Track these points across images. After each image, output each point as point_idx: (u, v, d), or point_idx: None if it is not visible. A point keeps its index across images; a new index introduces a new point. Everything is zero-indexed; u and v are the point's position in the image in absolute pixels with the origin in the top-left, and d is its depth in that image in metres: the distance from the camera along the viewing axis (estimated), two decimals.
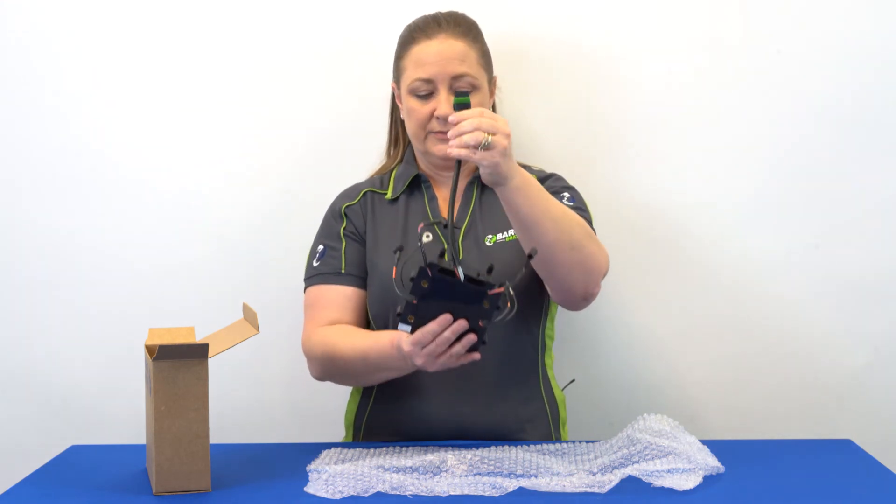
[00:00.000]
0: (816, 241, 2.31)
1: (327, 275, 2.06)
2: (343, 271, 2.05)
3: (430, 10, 2.09)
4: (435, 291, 1.68)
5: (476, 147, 1.71)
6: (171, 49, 2.33)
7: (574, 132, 2.31)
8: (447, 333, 1.70)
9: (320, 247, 2.08)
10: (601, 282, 1.93)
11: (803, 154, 2.30)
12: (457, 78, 2.00)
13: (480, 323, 1.69)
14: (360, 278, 2.06)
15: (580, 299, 1.92)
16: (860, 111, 2.28)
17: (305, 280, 2.09)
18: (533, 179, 1.83)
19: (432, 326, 1.70)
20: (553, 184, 2.07)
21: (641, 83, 2.30)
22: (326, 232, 2.10)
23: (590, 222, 2.02)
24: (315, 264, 2.07)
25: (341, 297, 2.04)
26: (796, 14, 2.27)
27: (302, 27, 2.31)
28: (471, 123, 1.72)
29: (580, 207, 2.02)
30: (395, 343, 1.82)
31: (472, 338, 1.71)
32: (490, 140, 1.71)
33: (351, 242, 2.07)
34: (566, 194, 2.04)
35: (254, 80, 2.33)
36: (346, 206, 2.10)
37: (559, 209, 1.85)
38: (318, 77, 2.32)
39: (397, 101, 2.13)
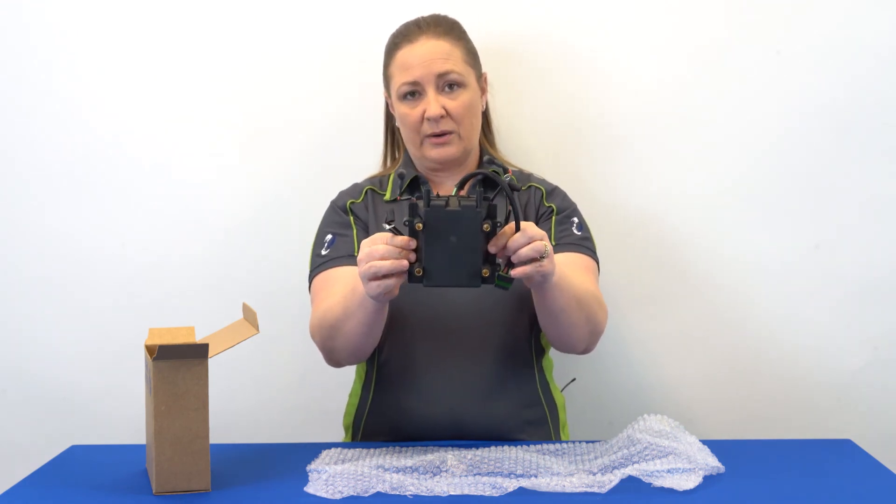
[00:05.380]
0: (816, 241, 2.31)
1: (338, 258, 2.01)
2: (356, 254, 1.98)
3: (424, 11, 2.09)
4: (431, 227, 1.64)
5: (538, 258, 1.68)
6: (171, 48, 2.33)
7: (566, 133, 2.31)
8: (386, 245, 1.66)
9: (328, 236, 2.05)
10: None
11: (803, 154, 2.30)
12: (442, 76, 2.00)
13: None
14: None
15: (580, 353, 1.99)
16: (860, 111, 2.28)
17: (313, 269, 2.03)
18: (563, 268, 1.82)
19: (393, 236, 1.66)
20: (560, 204, 2.08)
21: (637, 83, 2.30)
22: (333, 222, 2.07)
23: (594, 251, 2.05)
24: (324, 252, 2.03)
25: (354, 276, 1.92)
26: (796, 14, 2.27)
27: (300, 26, 2.31)
28: (531, 248, 1.66)
29: (587, 237, 2.05)
30: None
31: (390, 282, 1.66)
32: (547, 249, 1.69)
33: (361, 231, 2.05)
34: (575, 220, 2.06)
35: (252, 81, 2.33)
36: (351, 203, 2.09)
37: (582, 288, 1.87)
38: (317, 77, 2.32)
39: (391, 109, 2.13)
